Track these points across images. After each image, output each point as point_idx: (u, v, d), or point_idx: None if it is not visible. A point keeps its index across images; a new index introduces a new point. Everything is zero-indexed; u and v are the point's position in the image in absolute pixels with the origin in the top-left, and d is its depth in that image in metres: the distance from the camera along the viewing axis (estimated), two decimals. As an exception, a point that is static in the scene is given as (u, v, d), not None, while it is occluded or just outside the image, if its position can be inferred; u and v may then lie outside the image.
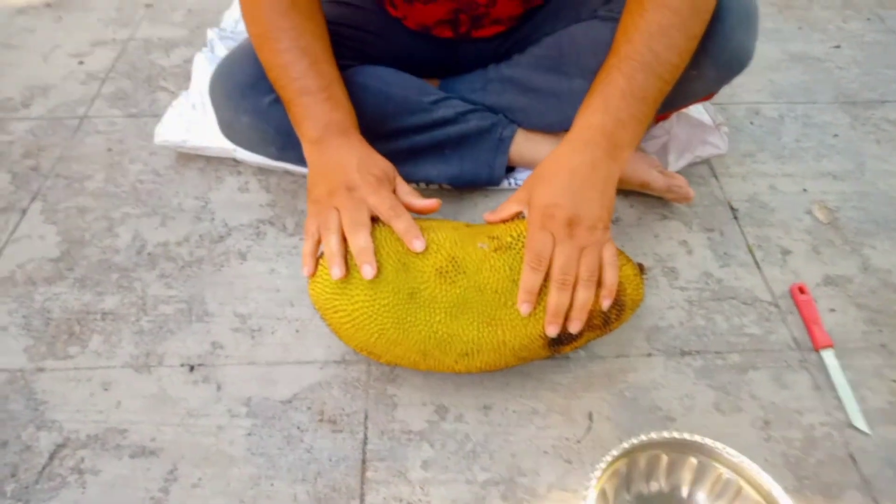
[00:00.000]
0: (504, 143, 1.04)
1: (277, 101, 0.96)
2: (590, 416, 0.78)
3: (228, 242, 0.98)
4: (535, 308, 0.72)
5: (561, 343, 0.75)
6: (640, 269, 0.81)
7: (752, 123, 1.20)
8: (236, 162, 1.11)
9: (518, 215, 0.79)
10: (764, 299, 0.91)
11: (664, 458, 0.69)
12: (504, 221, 0.79)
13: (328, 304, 0.74)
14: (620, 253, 0.78)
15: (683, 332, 0.87)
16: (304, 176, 1.07)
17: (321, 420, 0.78)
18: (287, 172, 1.08)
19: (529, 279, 0.72)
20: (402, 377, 0.82)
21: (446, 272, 0.73)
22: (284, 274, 0.94)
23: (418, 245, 0.73)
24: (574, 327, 0.72)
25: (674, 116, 1.07)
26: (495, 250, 0.75)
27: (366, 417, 0.78)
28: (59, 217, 1.02)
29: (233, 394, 0.80)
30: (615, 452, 0.67)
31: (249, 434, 0.77)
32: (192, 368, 0.83)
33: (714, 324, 0.88)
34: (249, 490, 0.72)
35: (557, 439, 0.76)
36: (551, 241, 0.72)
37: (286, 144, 0.99)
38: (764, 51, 1.37)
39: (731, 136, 1.14)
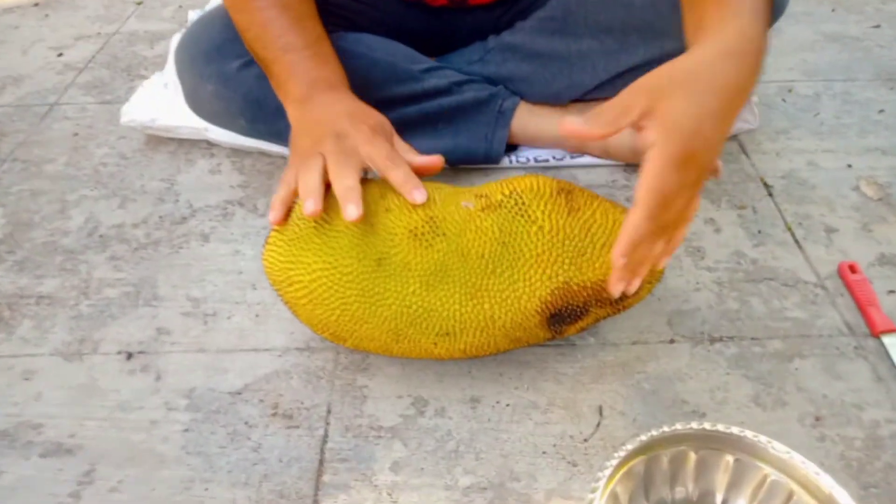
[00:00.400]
0: (504, 115, 0.92)
1: (245, 66, 0.86)
2: (600, 411, 0.64)
3: (191, 224, 0.87)
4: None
5: (563, 321, 0.62)
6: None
7: (784, 101, 1.07)
8: (210, 144, 1.00)
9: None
10: (808, 280, 0.77)
11: (692, 456, 0.55)
12: (602, 137, 0.52)
13: (282, 276, 0.62)
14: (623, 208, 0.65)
15: (713, 316, 0.73)
16: (282, 156, 0.97)
17: (274, 414, 0.65)
18: (263, 154, 0.97)
19: (642, 226, 0.51)
20: (375, 366, 0.69)
21: (422, 234, 0.60)
22: (249, 255, 0.82)
23: (419, 196, 0.60)
24: (633, 286, 0.58)
25: (696, 85, 0.94)
26: (482, 210, 0.62)
27: (328, 412, 0.65)
28: (8, 200, 0.92)
29: (173, 384, 0.68)
30: (630, 447, 0.53)
31: (187, 430, 0.64)
32: (129, 356, 0.71)
33: (749, 307, 0.74)
34: (178, 496, 0.59)
35: (560, 438, 0.62)
36: (679, 186, 0.52)
37: (256, 116, 0.89)
38: (794, 32, 1.25)
39: (762, 114, 1.02)
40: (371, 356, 0.70)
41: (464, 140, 0.91)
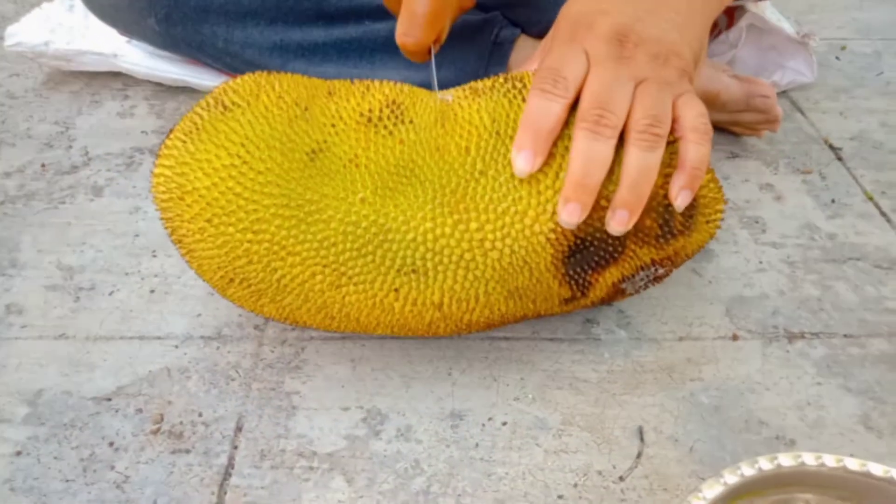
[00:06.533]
0: (501, 47, 0.72)
1: None
2: (640, 435, 0.44)
3: (82, 174, 0.65)
4: (541, 163, 0.38)
5: (587, 263, 0.41)
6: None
7: (838, 59, 0.88)
8: (125, 85, 0.79)
9: None
10: (908, 261, 0.57)
11: (803, 510, 0.34)
12: None
13: (171, 185, 0.40)
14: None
15: (787, 305, 0.53)
16: (214, 99, 0.76)
17: (157, 431, 0.43)
18: (192, 92, 0.76)
19: (536, 108, 0.38)
20: (311, 362, 0.48)
21: (379, 118, 0.40)
22: (153, 214, 0.60)
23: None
24: (617, 222, 0.38)
25: (743, 25, 0.75)
26: (466, 98, 0.42)
27: (237, 429, 0.44)
28: None
29: (13, 384, 0.46)
30: (708, 493, 0.32)
31: (19, 453, 0.42)
32: (-43, 343, 0.49)
33: (835, 295, 0.54)
34: (-21, 559, 0.37)
35: (583, 474, 0.41)
36: (583, 58, 0.40)
37: (171, 14, 0.67)
38: (837, -9, 1.07)
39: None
40: (308, 349, 0.48)
41: (450, 74, 0.71)
